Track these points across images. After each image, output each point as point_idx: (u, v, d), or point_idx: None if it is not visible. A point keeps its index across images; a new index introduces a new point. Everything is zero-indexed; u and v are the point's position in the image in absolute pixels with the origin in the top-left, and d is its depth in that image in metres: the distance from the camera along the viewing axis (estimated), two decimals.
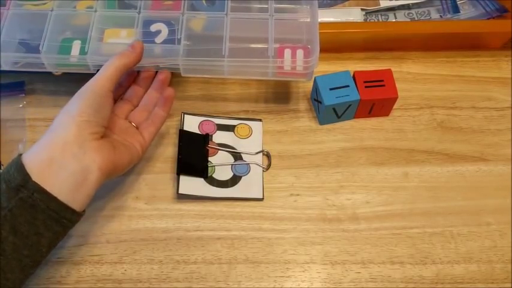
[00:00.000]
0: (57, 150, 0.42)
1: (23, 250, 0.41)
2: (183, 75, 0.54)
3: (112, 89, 0.48)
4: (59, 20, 0.55)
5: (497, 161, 0.58)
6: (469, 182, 0.56)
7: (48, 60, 0.53)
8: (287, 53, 0.55)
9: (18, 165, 0.41)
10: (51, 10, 0.55)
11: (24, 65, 0.54)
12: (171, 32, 0.55)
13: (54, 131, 0.44)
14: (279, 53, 0.54)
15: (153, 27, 0.55)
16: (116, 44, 0.54)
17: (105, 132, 0.47)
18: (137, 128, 0.52)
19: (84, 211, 0.44)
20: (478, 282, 0.50)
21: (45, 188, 0.41)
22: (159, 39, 0.54)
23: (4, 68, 0.53)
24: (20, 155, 0.43)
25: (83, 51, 0.53)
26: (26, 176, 0.41)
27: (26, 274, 0.42)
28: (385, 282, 0.50)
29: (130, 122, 0.52)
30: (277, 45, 0.54)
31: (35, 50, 0.53)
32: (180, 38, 0.54)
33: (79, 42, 0.54)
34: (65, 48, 0.54)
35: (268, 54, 0.53)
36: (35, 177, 0.41)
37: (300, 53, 0.55)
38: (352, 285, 0.50)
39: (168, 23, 0.55)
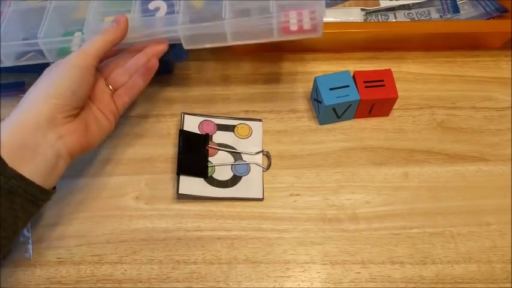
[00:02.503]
0: (30, 134, 0.43)
1: (1, 233, 0.42)
2: (185, 47, 0.52)
3: (95, 65, 0.47)
4: (59, 14, 0.55)
5: (497, 161, 0.58)
6: (469, 182, 0.56)
7: (47, 46, 0.52)
8: (292, 13, 0.51)
9: None
10: (50, 2, 0.54)
11: (29, 58, 0.53)
12: (170, 5, 0.53)
13: (27, 111, 0.43)
14: (284, 17, 0.50)
15: (152, 5, 0.54)
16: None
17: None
18: (114, 91, 0.51)
19: (55, 188, 0.45)
20: (478, 282, 0.50)
21: (21, 173, 0.41)
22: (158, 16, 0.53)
23: (7, 63, 0.53)
24: None
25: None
26: (2, 163, 0.41)
27: (2, 252, 0.43)
28: (385, 282, 0.50)
29: (107, 85, 0.51)
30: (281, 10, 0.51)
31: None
32: (179, 10, 0.52)
33: (80, 33, 0.54)
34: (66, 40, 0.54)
35: (270, 10, 0.49)
36: (9, 161, 0.41)
37: (305, 12, 0.51)
38: (352, 285, 0.50)
39: None
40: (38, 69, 0.55)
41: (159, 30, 0.52)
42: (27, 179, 0.42)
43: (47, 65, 0.48)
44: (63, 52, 0.52)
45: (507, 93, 0.63)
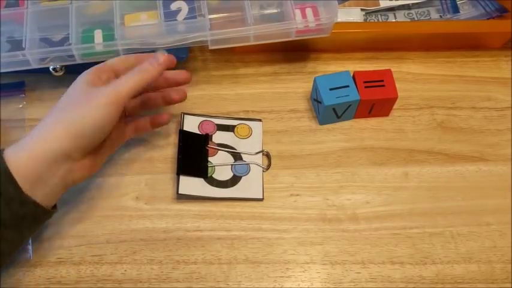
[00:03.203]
0: (45, 167, 0.43)
1: (8, 255, 0.44)
2: (210, 48, 0.55)
3: (126, 103, 0.46)
4: (76, 12, 0.55)
5: (497, 161, 0.58)
6: (469, 182, 0.56)
7: (78, 51, 0.53)
8: (297, 13, 0.56)
9: (8, 176, 0.41)
10: (70, 3, 0.56)
11: (52, 59, 0.54)
12: (191, 9, 0.55)
13: (44, 143, 0.43)
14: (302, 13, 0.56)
15: (173, 6, 0.55)
16: (138, 26, 0.55)
17: None
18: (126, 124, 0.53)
19: (55, 206, 0.47)
20: (478, 282, 0.50)
21: (35, 199, 0.43)
22: (180, 17, 0.55)
23: (35, 65, 0.54)
24: (2, 157, 0.42)
25: (106, 39, 0.54)
26: (18, 190, 0.42)
27: (1, 266, 0.45)
28: (385, 282, 0.50)
29: (125, 113, 0.53)
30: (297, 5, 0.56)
31: (58, 44, 0.54)
32: (204, 12, 0.55)
33: (100, 30, 0.55)
34: (87, 38, 0.54)
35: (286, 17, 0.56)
36: (24, 187, 0.42)
37: (309, 11, 0.56)
38: (352, 285, 0.50)
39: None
40: (38, 70, 0.55)
41: (187, 35, 0.54)
42: (39, 204, 0.43)
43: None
44: (88, 53, 0.55)
45: (507, 93, 0.63)
